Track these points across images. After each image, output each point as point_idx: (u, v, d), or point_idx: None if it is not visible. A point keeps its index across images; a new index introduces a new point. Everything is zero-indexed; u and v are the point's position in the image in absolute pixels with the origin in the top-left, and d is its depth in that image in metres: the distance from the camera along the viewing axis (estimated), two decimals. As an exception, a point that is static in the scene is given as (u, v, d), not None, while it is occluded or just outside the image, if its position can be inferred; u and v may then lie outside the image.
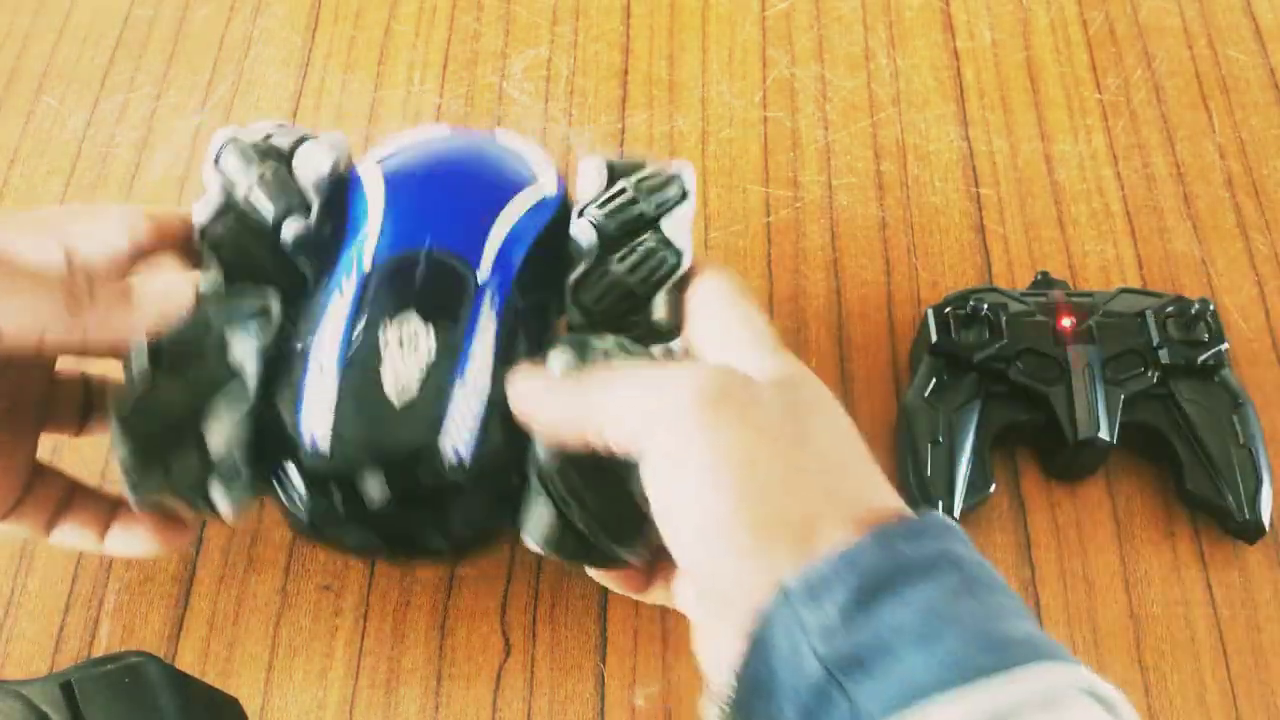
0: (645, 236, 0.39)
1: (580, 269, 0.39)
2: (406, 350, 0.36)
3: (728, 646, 0.29)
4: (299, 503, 0.36)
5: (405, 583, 0.45)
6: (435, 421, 0.35)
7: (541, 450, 0.34)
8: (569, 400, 0.34)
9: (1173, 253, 0.54)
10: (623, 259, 0.38)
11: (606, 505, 0.34)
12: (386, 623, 0.44)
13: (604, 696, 0.43)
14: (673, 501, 0.31)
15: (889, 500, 0.31)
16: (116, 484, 0.36)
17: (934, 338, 0.47)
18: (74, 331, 0.35)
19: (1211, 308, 0.48)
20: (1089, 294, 0.49)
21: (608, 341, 0.36)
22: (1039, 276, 0.51)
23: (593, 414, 0.33)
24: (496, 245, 0.38)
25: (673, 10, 0.62)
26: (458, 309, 0.37)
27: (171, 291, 0.36)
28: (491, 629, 0.44)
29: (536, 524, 0.35)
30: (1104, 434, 0.45)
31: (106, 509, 0.41)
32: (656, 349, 0.37)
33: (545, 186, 0.41)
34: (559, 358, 0.35)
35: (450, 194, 0.40)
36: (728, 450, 0.30)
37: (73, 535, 0.40)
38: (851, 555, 0.28)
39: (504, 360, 0.37)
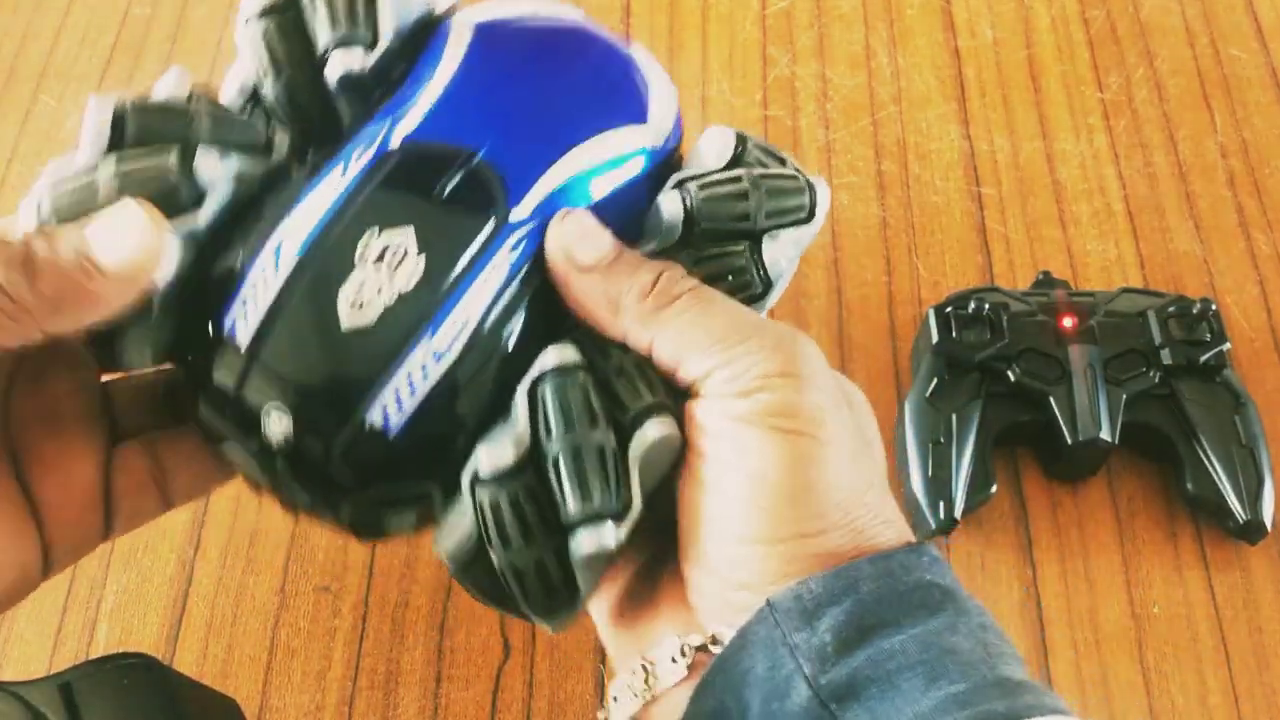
0: (739, 247, 0.32)
1: (645, 249, 0.31)
2: (384, 270, 0.29)
3: (668, 646, 0.28)
4: (200, 393, 0.31)
5: (404, 584, 0.45)
6: (377, 367, 0.29)
7: (484, 459, 0.28)
8: (627, 299, 0.29)
9: (1174, 252, 0.54)
10: (698, 263, 0.31)
11: (533, 564, 0.28)
12: (385, 624, 0.44)
13: (604, 697, 0.43)
14: (725, 463, 0.28)
15: (906, 530, 0.29)
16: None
17: (935, 337, 0.47)
18: (24, 327, 0.27)
19: (1213, 307, 0.48)
20: (1090, 294, 0.49)
21: (623, 359, 0.30)
22: (1040, 276, 0.51)
23: (656, 325, 0.29)
24: (553, 184, 0.31)
25: (672, 9, 0.62)
26: (465, 244, 0.30)
27: (129, 230, 0.28)
28: (491, 630, 0.44)
29: (451, 534, 0.29)
30: (1105, 434, 0.45)
31: (201, 444, 0.33)
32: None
33: (654, 133, 0.33)
34: (555, 354, 0.29)
35: (536, 96, 0.32)
36: (807, 438, 0.28)
37: (192, 488, 0.34)
38: (851, 576, 0.27)
39: (491, 332, 0.30)
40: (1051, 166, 0.56)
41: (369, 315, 0.29)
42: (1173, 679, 0.44)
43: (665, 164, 0.33)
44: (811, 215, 0.33)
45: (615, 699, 0.30)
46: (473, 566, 0.29)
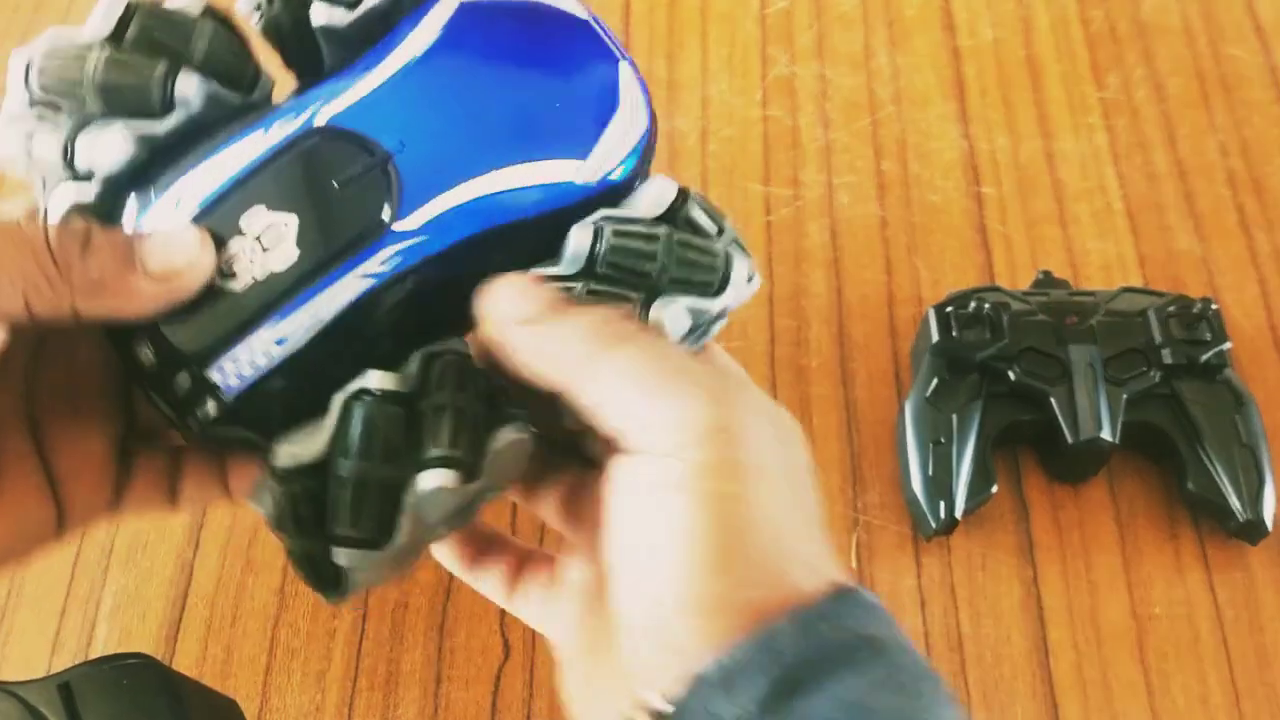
0: (633, 294, 0.31)
1: (546, 269, 0.31)
2: (259, 246, 0.31)
3: (617, 704, 0.28)
4: None
5: (404, 584, 0.45)
6: (228, 332, 0.31)
7: (284, 451, 0.30)
8: (559, 347, 0.29)
9: (1175, 251, 0.54)
10: (589, 293, 0.31)
11: (305, 555, 0.30)
12: (385, 624, 0.44)
13: None
14: (632, 531, 0.28)
15: (833, 567, 0.29)
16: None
17: (935, 337, 0.47)
18: (60, 298, 0.29)
19: (1214, 307, 0.48)
20: (1091, 293, 0.49)
21: (452, 398, 0.30)
22: (1041, 275, 0.51)
23: (591, 378, 0.29)
24: (455, 202, 0.31)
25: (672, 9, 0.62)
26: (338, 244, 0.30)
27: (181, 246, 0.31)
28: (491, 630, 0.44)
29: (264, 503, 0.31)
30: (1106, 434, 0.45)
31: (217, 461, 0.37)
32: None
33: (591, 170, 0.32)
34: (379, 379, 0.30)
35: (477, 106, 0.32)
36: (733, 499, 0.27)
37: (198, 496, 0.37)
38: (771, 641, 0.26)
39: (341, 333, 0.31)
40: (1051, 166, 0.56)
41: (233, 284, 0.30)
42: (1174, 679, 0.43)
43: (598, 199, 0.32)
44: (720, 290, 0.32)
45: None
46: (286, 538, 0.31)
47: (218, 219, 0.31)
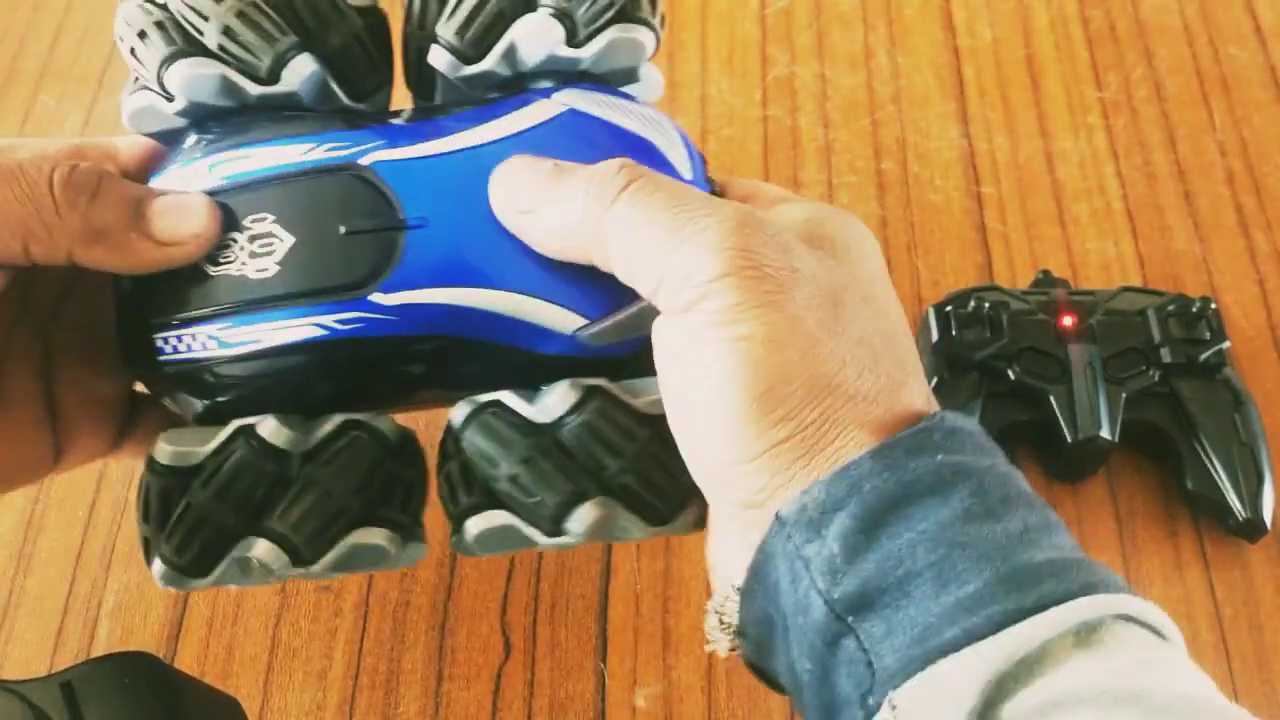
0: (575, 482, 0.30)
1: (508, 399, 0.31)
2: (249, 250, 0.31)
3: (735, 562, 0.27)
4: None
5: (405, 583, 0.45)
6: (184, 308, 0.31)
7: (163, 445, 0.31)
8: (566, 221, 0.29)
9: (1174, 251, 0.54)
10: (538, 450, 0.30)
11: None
12: (386, 623, 0.44)
13: (604, 696, 0.43)
14: (681, 392, 0.28)
15: (915, 400, 0.27)
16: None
17: (935, 336, 0.47)
18: (56, 243, 0.29)
19: (1213, 306, 0.48)
20: (1090, 292, 0.49)
21: (312, 474, 0.30)
22: (1040, 275, 0.51)
23: (602, 243, 0.28)
24: (440, 300, 0.30)
25: (671, 8, 0.62)
26: (312, 284, 0.30)
27: (192, 217, 0.30)
28: (491, 629, 0.44)
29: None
30: (1105, 433, 0.45)
31: None
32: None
33: (587, 335, 0.31)
34: (270, 427, 0.30)
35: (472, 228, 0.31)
36: (750, 348, 0.26)
37: None
38: (852, 476, 0.25)
39: (270, 363, 0.31)
40: (1051, 165, 0.56)
41: (210, 269, 0.31)
42: (1173, 677, 0.44)
43: (588, 362, 0.31)
44: (663, 523, 0.31)
45: (709, 640, 0.30)
46: None
47: (233, 204, 0.31)
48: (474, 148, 0.31)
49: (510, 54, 0.32)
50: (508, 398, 0.31)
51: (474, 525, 0.30)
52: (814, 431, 0.26)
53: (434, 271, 0.30)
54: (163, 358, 0.31)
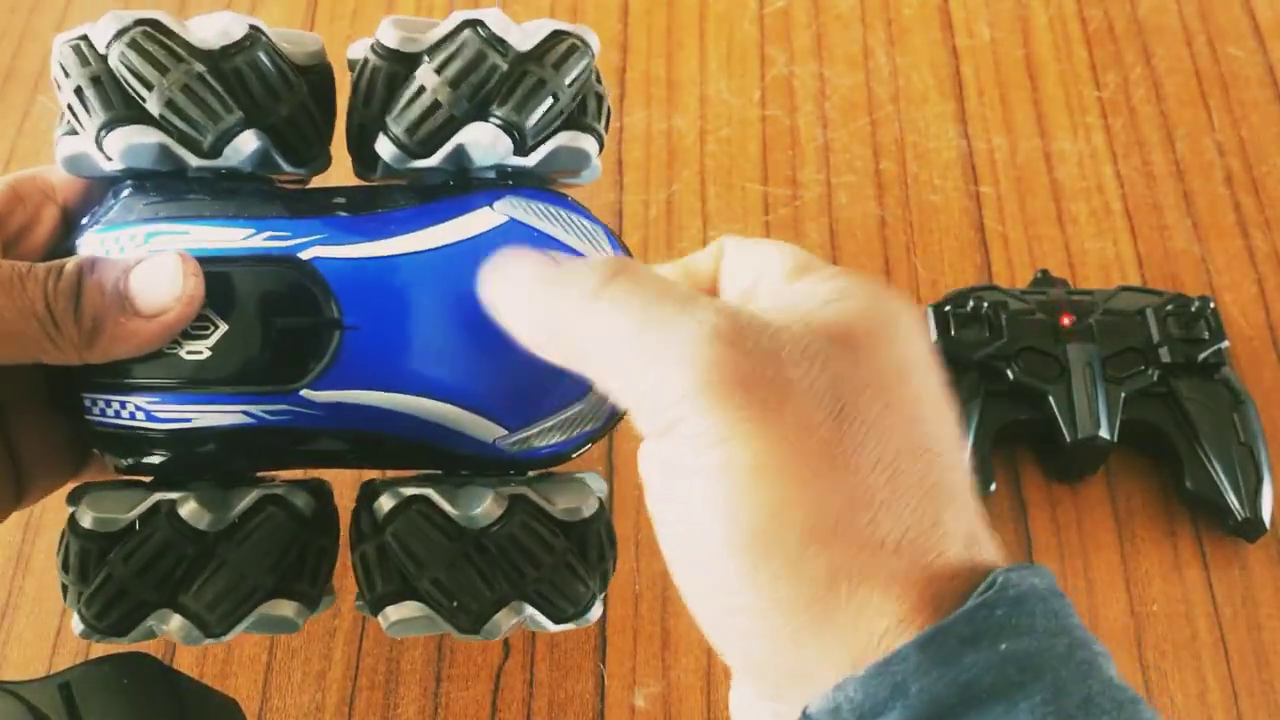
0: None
1: (436, 498, 0.31)
2: (185, 329, 0.31)
3: None
4: None
5: (404, 583, 0.45)
6: (120, 378, 0.31)
7: (88, 510, 0.31)
8: (553, 316, 0.26)
9: (1172, 250, 0.54)
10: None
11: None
12: (385, 623, 0.44)
13: (604, 697, 0.43)
14: (670, 525, 0.24)
15: (953, 542, 0.22)
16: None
17: (934, 336, 0.47)
18: (66, 353, 0.30)
19: (1211, 305, 0.48)
20: (1089, 292, 0.49)
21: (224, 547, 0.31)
22: (1039, 274, 0.51)
23: (578, 345, 0.25)
24: (360, 400, 0.31)
25: (670, 8, 0.62)
26: (244, 376, 0.31)
27: (165, 282, 0.30)
28: (491, 629, 0.44)
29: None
30: (1104, 432, 0.45)
31: None
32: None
33: (506, 443, 0.32)
34: (190, 508, 0.31)
35: (458, 328, 0.31)
36: (735, 481, 0.22)
37: None
38: (896, 675, 0.20)
39: (195, 438, 0.31)
40: (1049, 165, 0.56)
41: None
42: (1172, 677, 0.44)
43: (508, 463, 0.32)
44: (566, 621, 0.33)
45: None
46: None
47: None
48: (415, 253, 0.31)
49: (457, 154, 0.32)
50: (434, 496, 0.31)
51: (393, 613, 0.32)
52: (823, 591, 0.21)
53: (365, 375, 0.31)
54: (90, 417, 0.32)
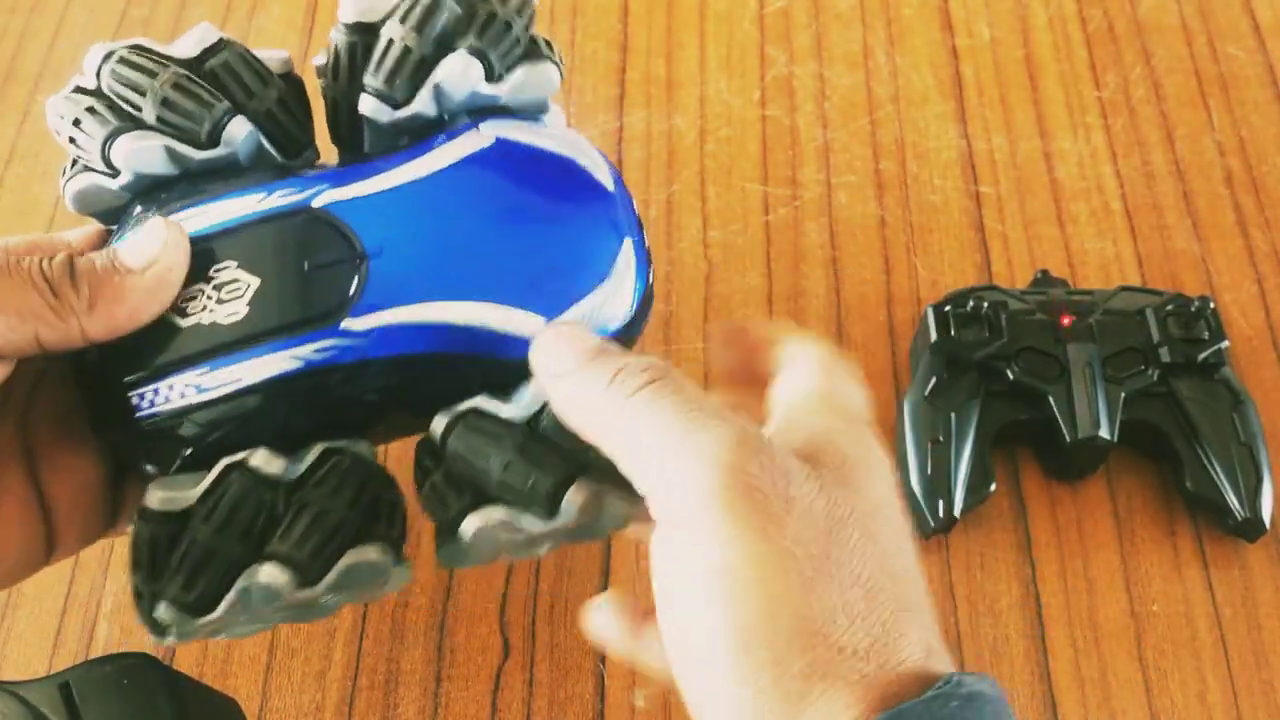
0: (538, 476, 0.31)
1: (483, 404, 0.32)
2: (216, 298, 0.32)
3: None
4: None
5: (404, 583, 0.45)
6: (160, 362, 0.31)
7: (152, 497, 0.31)
8: (588, 398, 0.29)
9: (1172, 250, 0.54)
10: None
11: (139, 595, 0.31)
12: (385, 623, 0.44)
13: (604, 697, 0.43)
14: (673, 606, 0.27)
15: (912, 654, 0.26)
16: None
17: (934, 336, 0.47)
18: (69, 326, 0.30)
19: (1211, 305, 0.48)
20: (1089, 292, 0.49)
21: (310, 495, 0.31)
22: (1039, 274, 0.51)
23: (614, 434, 0.28)
24: (406, 319, 0.32)
25: (670, 9, 0.62)
26: (283, 320, 0.31)
27: (151, 235, 0.31)
28: (490, 630, 0.44)
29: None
30: (1104, 432, 0.45)
31: None
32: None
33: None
34: (262, 457, 0.31)
35: (474, 234, 0.32)
36: (736, 580, 0.25)
37: None
38: None
39: (254, 402, 0.32)
40: (1049, 165, 0.56)
41: (180, 321, 0.32)
42: (1172, 676, 0.44)
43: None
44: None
45: None
46: None
47: (194, 258, 0.32)
48: (416, 180, 0.33)
49: (436, 94, 0.34)
50: (481, 403, 0.32)
51: (471, 523, 0.31)
52: (799, 683, 0.24)
53: (396, 293, 0.32)
54: (140, 414, 0.32)
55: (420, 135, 0.35)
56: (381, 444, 0.37)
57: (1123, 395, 0.46)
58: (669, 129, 0.57)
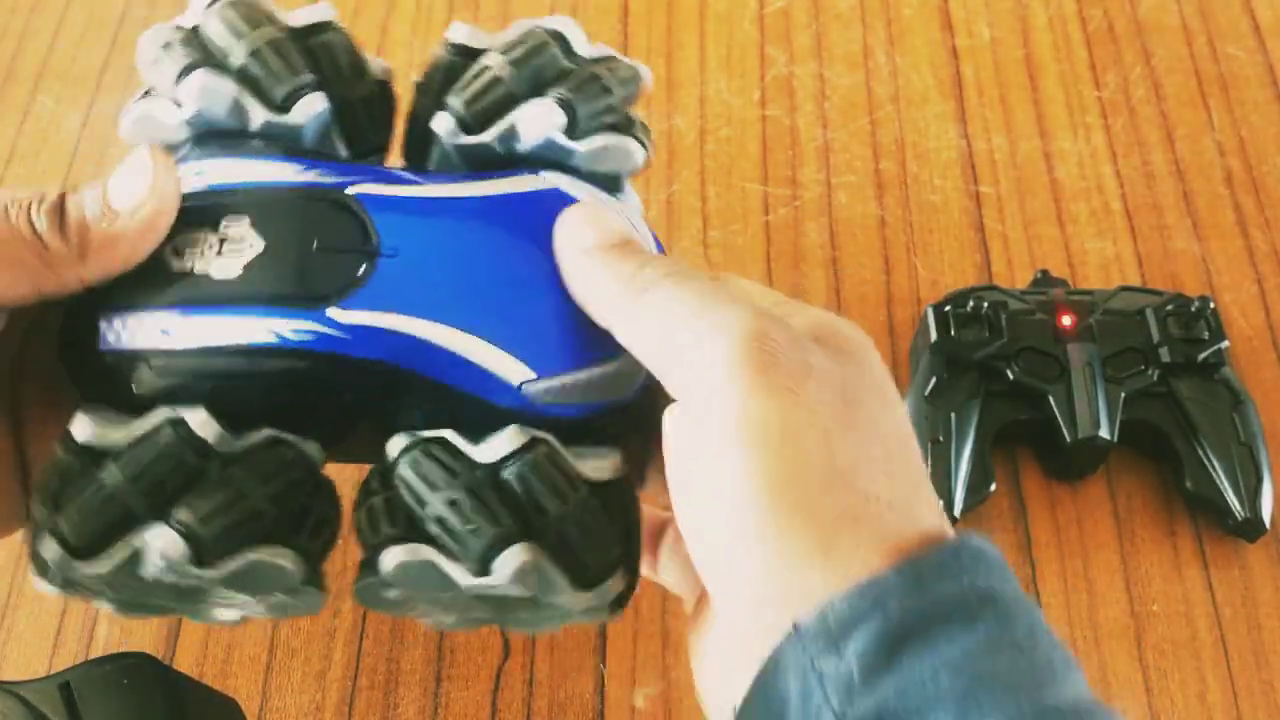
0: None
1: (451, 439, 0.31)
2: (216, 248, 0.31)
3: (735, 684, 0.26)
4: None
5: (404, 583, 0.45)
6: (137, 295, 0.30)
7: (79, 426, 0.30)
8: (610, 283, 0.29)
9: (1172, 250, 0.54)
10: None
11: None
12: (385, 623, 0.44)
13: (604, 697, 0.43)
14: (692, 482, 0.27)
15: (928, 514, 0.27)
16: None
17: (934, 336, 0.47)
18: (63, 274, 0.30)
19: (1211, 305, 0.48)
20: (1089, 292, 0.49)
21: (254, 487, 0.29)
22: (1039, 274, 0.51)
23: (636, 317, 0.29)
24: (394, 327, 0.30)
25: (670, 8, 0.62)
26: (272, 288, 0.30)
27: (137, 170, 0.30)
28: (491, 630, 0.44)
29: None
30: (1104, 432, 0.45)
31: None
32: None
33: (531, 388, 0.31)
34: (210, 428, 0.29)
35: (496, 269, 0.31)
36: (766, 432, 0.25)
37: None
38: (877, 592, 0.24)
39: (218, 361, 0.30)
40: (1049, 165, 0.56)
41: (174, 263, 0.30)
42: (1172, 676, 0.44)
43: (529, 416, 0.31)
44: (585, 588, 0.30)
45: None
46: None
47: (209, 206, 0.31)
48: (457, 198, 0.32)
49: (509, 134, 0.33)
50: (451, 436, 0.31)
51: (393, 555, 0.29)
52: (830, 526, 0.25)
53: (394, 298, 0.30)
54: (104, 347, 0.31)
55: (482, 168, 0.34)
56: (352, 463, 0.35)
57: (1123, 395, 0.46)
58: (669, 129, 0.57)
